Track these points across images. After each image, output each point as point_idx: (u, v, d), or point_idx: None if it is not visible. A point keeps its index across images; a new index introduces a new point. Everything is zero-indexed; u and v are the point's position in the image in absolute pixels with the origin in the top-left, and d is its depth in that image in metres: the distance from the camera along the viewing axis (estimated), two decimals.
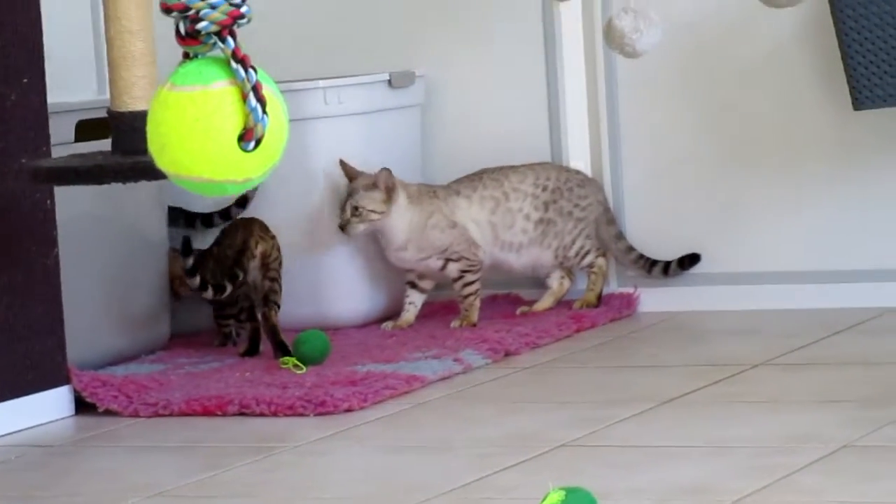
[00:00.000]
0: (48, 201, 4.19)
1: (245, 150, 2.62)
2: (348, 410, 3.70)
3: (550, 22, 5.07)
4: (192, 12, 2.65)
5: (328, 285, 4.66)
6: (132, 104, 3.54)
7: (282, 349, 4.17)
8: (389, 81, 4.85)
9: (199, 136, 2.64)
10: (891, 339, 4.23)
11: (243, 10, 2.66)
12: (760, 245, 4.82)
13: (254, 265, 4.31)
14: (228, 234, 4.39)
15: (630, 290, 4.78)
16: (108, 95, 3.67)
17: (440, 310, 4.75)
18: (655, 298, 4.76)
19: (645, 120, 4.95)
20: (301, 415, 3.70)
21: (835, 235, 4.77)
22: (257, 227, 4.32)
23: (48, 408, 4.12)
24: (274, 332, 4.22)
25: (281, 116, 2.66)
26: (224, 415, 3.82)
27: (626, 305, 4.73)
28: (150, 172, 3.12)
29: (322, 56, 5.11)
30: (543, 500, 2.59)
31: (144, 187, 4.13)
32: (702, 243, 4.76)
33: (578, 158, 5.01)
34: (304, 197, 4.65)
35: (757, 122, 4.91)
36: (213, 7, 2.65)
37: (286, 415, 3.73)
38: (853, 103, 4.46)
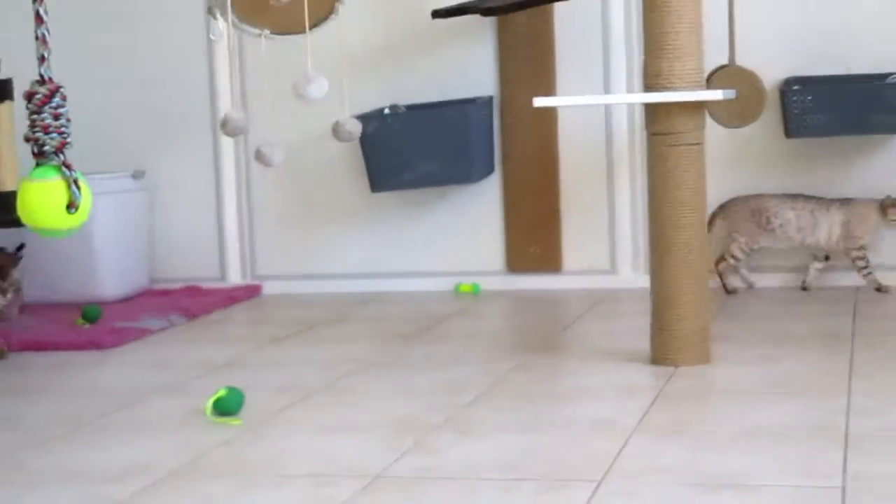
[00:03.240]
0: None
1: (69, 213, 2.80)
2: None
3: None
4: (38, 141, 2.83)
5: None
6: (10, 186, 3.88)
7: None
8: (132, 175, 5.20)
9: (47, 206, 2.80)
10: None
11: (68, 140, 2.84)
12: None
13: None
14: None
15: None
16: None
17: None
18: None
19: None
20: None
21: None
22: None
23: None
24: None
25: (88, 195, 2.85)
26: None
27: None
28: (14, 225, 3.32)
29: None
30: (215, 395, 3.13)
31: None
32: None
33: None
34: None
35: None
36: (52, 138, 2.82)
37: None
38: (372, 186, 4.75)
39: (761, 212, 4.67)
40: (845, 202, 4.68)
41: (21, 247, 4.29)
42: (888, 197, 4.57)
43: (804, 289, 4.75)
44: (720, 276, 4.76)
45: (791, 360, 3.57)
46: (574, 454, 2.74)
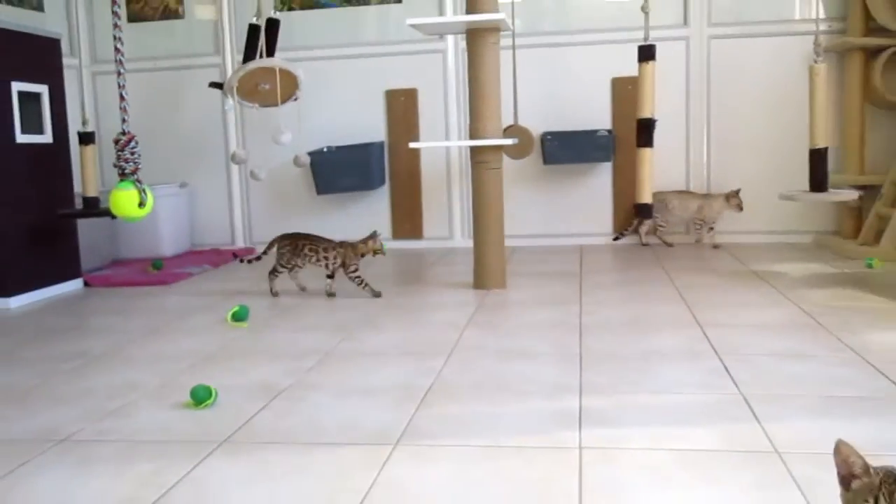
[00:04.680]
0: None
1: (140, 208, 2.87)
2: None
3: None
4: (121, 167, 2.86)
5: None
6: (92, 193, 3.54)
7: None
8: (180, 185, 4.92)
9: (127, 204, 2.87)
10: None
11: (139, 166, 2.87)
12: None
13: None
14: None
15: None
16: (80, 189, 3.62)
17: None
18: None
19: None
20: None
21: None
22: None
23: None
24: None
25: (151, 198, 2.90)
26: None
27: None
28: (104, 215, 3.25)
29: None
30: (231, 312, 3.01)
31: None
32: None
33: None
34: None
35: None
36: (129, 165, 2.86)
37: None
38: (317, 190, 4.54)
39: (665, 201, 4.39)
40: (705, 195, 4.34)
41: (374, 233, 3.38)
42: (731, 191, 4.27)
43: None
44: (661, 238, 4.45)
45: (550, 286, 3.50)
46: (435, 340, 2.67)
